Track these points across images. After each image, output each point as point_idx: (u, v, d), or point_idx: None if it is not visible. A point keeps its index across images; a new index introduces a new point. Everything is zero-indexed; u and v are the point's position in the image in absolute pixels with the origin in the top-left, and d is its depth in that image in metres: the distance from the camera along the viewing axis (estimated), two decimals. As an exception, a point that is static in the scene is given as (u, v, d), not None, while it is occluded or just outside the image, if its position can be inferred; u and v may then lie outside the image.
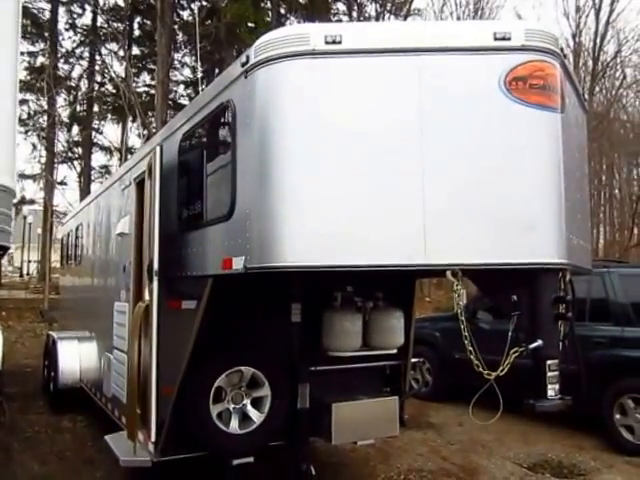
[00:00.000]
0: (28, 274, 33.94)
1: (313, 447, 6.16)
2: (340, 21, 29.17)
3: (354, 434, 5.32)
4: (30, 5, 27.00)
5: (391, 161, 3.50)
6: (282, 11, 28.84)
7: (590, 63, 29.26)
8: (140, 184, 5.71)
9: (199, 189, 4.59)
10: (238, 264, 3.73)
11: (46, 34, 27.97)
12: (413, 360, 6.04)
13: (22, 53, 27.68)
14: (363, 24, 4.77)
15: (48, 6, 28.18)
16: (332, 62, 3.53)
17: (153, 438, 4.66)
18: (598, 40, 28.33)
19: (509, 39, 3.47)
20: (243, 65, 3.81)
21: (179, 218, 4.94)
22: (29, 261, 35.19)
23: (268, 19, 25.92)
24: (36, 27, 27.54)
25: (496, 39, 3.47)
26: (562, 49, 3.68)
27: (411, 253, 3.40)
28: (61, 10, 29.00)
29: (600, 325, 7.41)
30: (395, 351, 5.45)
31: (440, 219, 3.43)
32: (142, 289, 5.35)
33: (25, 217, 33.05)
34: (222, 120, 4.21)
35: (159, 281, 4.77)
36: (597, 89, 29.87)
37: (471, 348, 3.53)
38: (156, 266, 4.70)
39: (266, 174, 3.58)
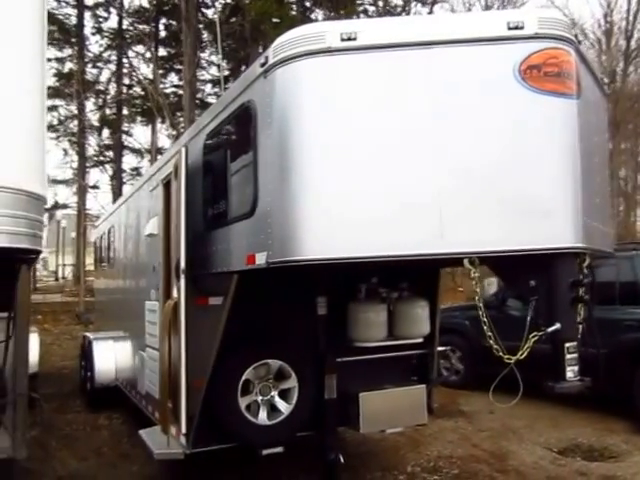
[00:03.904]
0: (64, 278, 34.57)
1: (342, 437, 6.27)
2: (366, 12, 28.88)
3: (382, 423, 5.40)
4: (56, 11, 27.51)
5: (408, 153, 3.55)
6: (307, 4, 28.74)
7: (623, 43, 28.68)
8: (167, 185, 5.84)
9: (224, 188, 4.70)
10: (261, 259, 3.83)
11: (73, 40, 28.37)
12: (440, 348, 6.08)
13: (50, 59, 28.25)
14: (378, 20, 4.81)
15: (74, 11, 28.61)
16: (348, 59, 3.58)
17: (184, 430, 4.80)
18: (631, 19, 27.73)
19: (522, 28, 3.48)
20: (262, 65, 3.89)
21: (205, 217, 5.05)
22: (64, 265, 35.84)
23: (294, 13, 25.91)
24: (63, 33, 27.97)
25: (509, 28, 3.49)
26: (576, 35, 3.69)
27: (428, 242, 3.46)
28: (87, 15, 29.39)
29: (630, 308, 7.37)
30: (421, 340, 5.47)
31: (456, 208, 3.46)
32: (171, 287, 5.48)
33: (59, 222, 33.70)
34: (244, 120, 4.29)
35: (186, 279, 4.90)
36: (631, 69, 29.27)
37: (490, 333, 3.58)
38: (183, 264, 4.83)
39: (286, 171, 3.66)
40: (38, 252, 2.89)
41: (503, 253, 3.44)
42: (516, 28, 3.48)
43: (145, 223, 6.75)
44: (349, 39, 3.53)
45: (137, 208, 7.55)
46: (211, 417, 4.78)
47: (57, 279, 34.74)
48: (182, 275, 4.83)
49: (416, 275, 5.34)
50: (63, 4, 28.06)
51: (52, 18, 26.81)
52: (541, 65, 3.47)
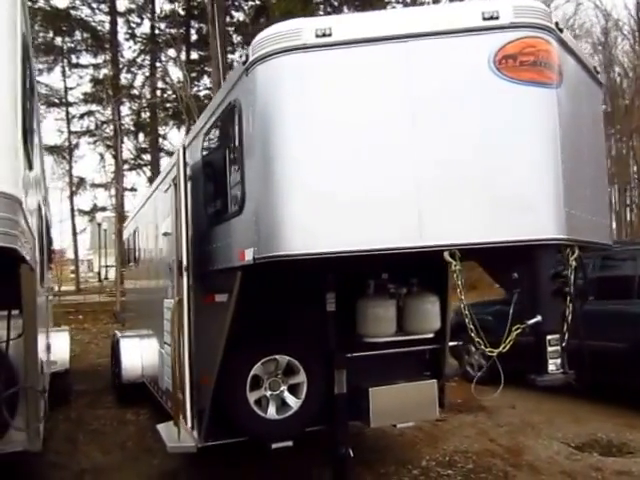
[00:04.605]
0: (106, 278, 35.36)
1: (362, 432, 6.31)
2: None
3: (392, 417, 5.41)
4: (90, 19, 28.21)
5: (384, 147, 3.56)
6: (335, 3, 28.74)
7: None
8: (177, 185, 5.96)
9: (220, 186, 4.78)
10: (249, 255, 3.90)
11: (106, 46, 28.98)
12: (452, 343, 6.06)
13: (86, 66, 28.99)
14: (354, 15, 4.82)
15: (107, 18, 29.18)
16: (324, 54, 3.61)
17: (189, 424, 4.91)
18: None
19: (497, 18, 3.45)
20: (244, 64, 3.95)
21: (207, 215, 5.16)
22: (106, 266, 36.66)
23: (321, 13, 26.00)
24: (96, 40, 28.59)
25: (484, 19, 3.47)
26: (557, 23, 3.63)
27: (406, 236, 3.47)
28: (120, 21, 29.98)
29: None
30: (432, 335, 5.47)
31: (434, 201, 3.47)
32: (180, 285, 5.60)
33: (99, 224, 34.49)
34: (231, 119, 4.37)
35: (191, 276, 5.01)
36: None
37: (472, 326, 3.58)
38: (185, 262, 4.94)
39: (268, 168, 3.71)
40: (13, 250, 2.97)
41: (482, 245, 3.43)
42: (491, 18, 3.45)
43: (162, 222, 6.91)
44: (324, 35, 3.55)
45: (155, 208, 7.73)
46: (222, 412, 4.86)
47: (100, 280, 35.55)
48: (184, 272, 4.94)
49: (426, 271, 5.33)
50: (97, 11, 28.72)
51: (85, 25, 27.59)
52: (517, 54, 3.44)
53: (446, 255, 3.47)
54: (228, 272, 4.70)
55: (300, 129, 3.63)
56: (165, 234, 6.58)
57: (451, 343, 6.04)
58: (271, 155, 3.70)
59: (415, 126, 3.52)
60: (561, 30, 3.66)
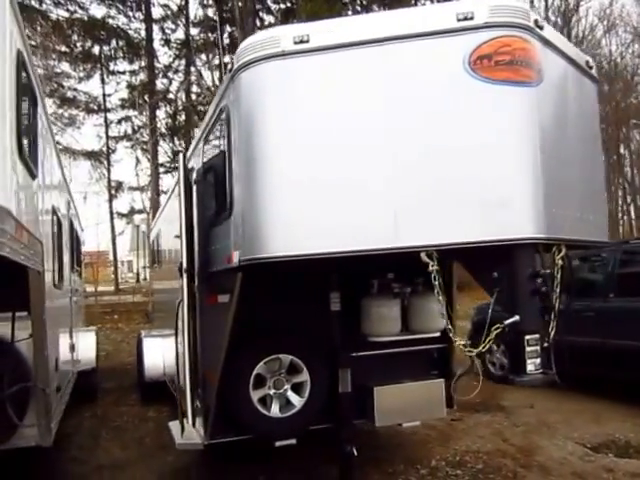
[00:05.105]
0: (145, 279, 36.03)
1: (374, 430, 6.32)
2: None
3: (398, 416, 5.42)
4: (127, 27, 28.87)
5: (362, 149, 3.59)
6: (364, 2, 28.66)
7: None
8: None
9: (220, 189, 4.87)
10: (236, 258, 3.98)
11: (142, 52, 29.51)
12: (461, 342, 6.02)
13: (123, 72, 29.65)
14: (331, 21, 4.79)
15: (142, 25, 29.73)
16: (302, 61, 3.68)
17: (190, 422, 5.02)
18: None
19: (472, 18, 3.45)
20: (230, 71, 4.05)
21: (210, 218, 5.26)
22: (145, 267, 37.36)
23: (349, 13, 25.99)
24: (132, 47, 29.18)
25: (459, 20, 3.47)
26: (537, 21, 3.60)
27: (382, 237, 3.49)
28: (155, 28, 30.46)
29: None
30: (438, 334, 5.47)
31: (411, 202, 3.48)
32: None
33: (138, 226, 35.18)
34: (222, 124, 4.46)
35: (196, 277, 5.12)
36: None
37: (450, 327, 3.58)
38: (185, 264, 5.06)
39: (250, 171, 3.80)
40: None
41: (457, 245, 3.43)
42: (465, 19, 3.45)
43: (176, 225, 7.05)
44: (301, 42, 3.61)
45: (171, 211, 7.89)
46: (227, 410, 4.94)
47: (138, 280, 36.27)
48: (184, 274, 5.05)
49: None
50: (132, 19, 29.36)
51: (119, 33, 28.25)
52: (492, 54, 3.43)
53: (423, 256, 3.48)
54: (229, 273, 4.78)
55: (281, 133, 3.69)
56: (177, 236, 6.72)
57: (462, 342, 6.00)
58: (254, 158, 3.77)
59: (392, 128, 3.54)
60: (541, 28, 3.63)
